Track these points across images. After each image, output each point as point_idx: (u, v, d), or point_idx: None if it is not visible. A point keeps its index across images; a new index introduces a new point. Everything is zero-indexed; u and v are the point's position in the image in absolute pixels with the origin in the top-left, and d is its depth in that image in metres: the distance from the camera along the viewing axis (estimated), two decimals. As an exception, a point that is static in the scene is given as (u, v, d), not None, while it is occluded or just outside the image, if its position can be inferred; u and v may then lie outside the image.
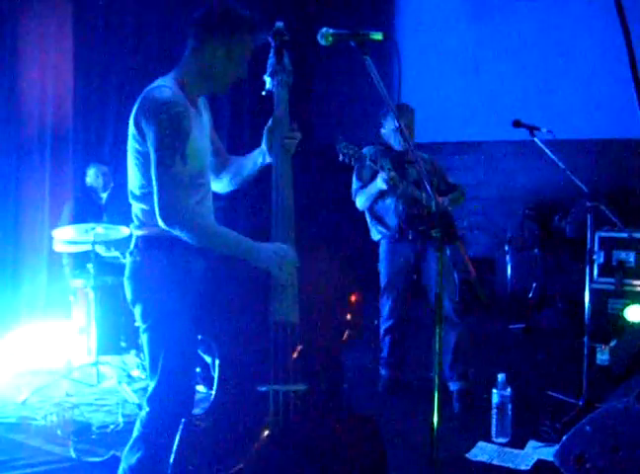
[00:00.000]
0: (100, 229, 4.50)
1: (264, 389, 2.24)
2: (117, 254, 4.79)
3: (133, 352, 4.62)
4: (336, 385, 2.38)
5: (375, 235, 4.40)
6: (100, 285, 4.52)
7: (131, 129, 2.32)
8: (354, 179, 4.35)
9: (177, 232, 2.23)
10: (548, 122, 4.09)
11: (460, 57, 7.20)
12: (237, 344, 2.30)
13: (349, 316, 2.40)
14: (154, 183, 2.24)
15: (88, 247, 4.56)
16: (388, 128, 4.28)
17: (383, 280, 4.38)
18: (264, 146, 2.50)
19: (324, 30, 2.18)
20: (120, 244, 4.80)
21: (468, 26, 7.21)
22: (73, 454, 3.39)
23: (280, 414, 2.23)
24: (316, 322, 2.34)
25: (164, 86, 2.30)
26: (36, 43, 5.36)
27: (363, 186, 4.27)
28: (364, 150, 4.15)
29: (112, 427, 3.75)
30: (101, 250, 4.74)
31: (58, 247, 4.90)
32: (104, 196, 5.27)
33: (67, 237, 4.63)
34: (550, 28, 6.77)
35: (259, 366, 2.25)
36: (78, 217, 4.94)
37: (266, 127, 2.49)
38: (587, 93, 6.56)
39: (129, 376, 4.54)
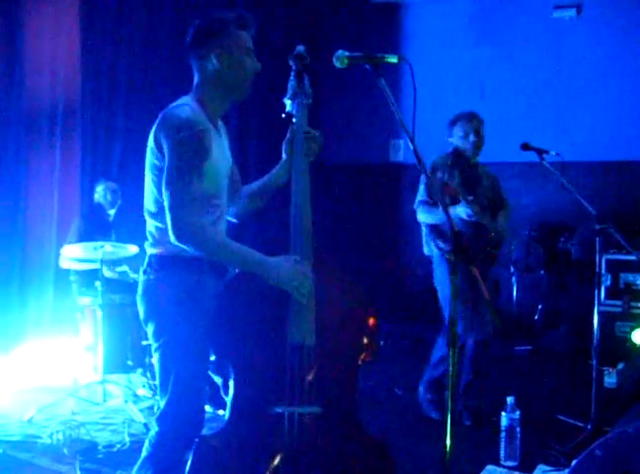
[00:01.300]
0: (108, 247, 4.51)
1: (279, 410, 2.22)
2: (124, 269, 4.79)
3: (140, 370, 4.60)
4: (350, 408, 2.36)
5: (432, 250, 4.23)
6: (107, 303, 4.51)
7: (150, 145, 2.34)
8: (422, 190, 4.16)
9: (190, 249, 2.24)
10: (555, 145, 4.12)
11: (467, 80, 7.24)
12: (252, 365, 2.29)
13: (365, 339, 2.39)
14: (167, 199, 2.24)
15: (95, 266, 4.57)
16: (457, 136, 4.19)
17: (446, 300, 4.09)
18: (284, 156, 2.56)
19: (339, 52, 2.21)
20: (128, 262, 4.81)
21: (474, 49, 7.25)
22: (80, 474, 3.37)
23: (294, 436, 2.22)
24: (332, 343, 2.33)
25: (185, 104, 2.33)
26: (44, 53, 5.41)
27: (433, 202, 4.08)
28: (436, 159, 4.11)
29: (118, 446, 3.74)
30: (106, 272, 4.73)
31: (65, 264, 4.91)
32: (112, 212, 5.29)
33: (76, 255, 4.64)
34: (557, 51, 6.82)
35: (274, 388, 2.24)
36: (86, 235, 4.95)
37: (285, 140, 2.54)
38: (594, 115, 6.59)
39: (136, 395, 4.53)
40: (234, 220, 2.69)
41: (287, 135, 2.54)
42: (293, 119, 2.51)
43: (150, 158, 2.35)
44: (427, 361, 4.27)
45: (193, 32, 2.41)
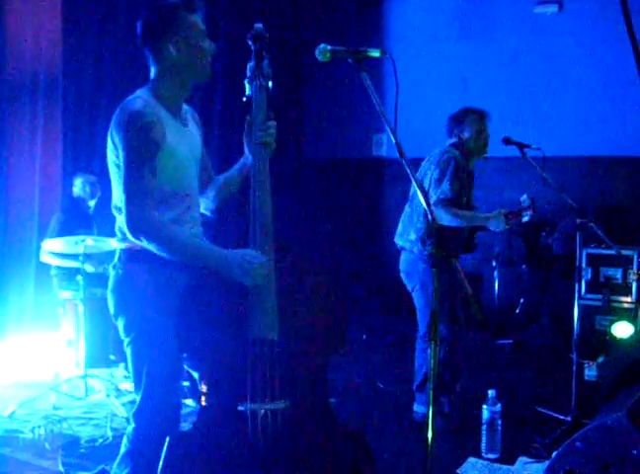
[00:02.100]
0: (90, 241, 4.48)
1: (242, 408, 2.18)
2: (104, 267, 4.78)
3: (122, 365, 4.58)
4: (320, 400, 2.31)
5: (425, 250, 3.92)
6: (89, 297, 4.48)
7: (108, 142, 2.33)
8: (447, 183, 3.86)
9: (144, 244, 2.22)
10: (537, 140, 4.13)
11: (449, 74, 7.26)
12: (217, 362, 2.24)
13: (332, 329, 2.34)
14: (121, 195, 2.23)
15: (77, 264, 4.56)
16: (468, 132, 4.05)
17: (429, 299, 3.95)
18: (246, 150, 2.50)
19: (322, 46, 2.20)
20: (109, 257, 4.79)
21: (457, 43, 7.27)
22: (62, 468, 3.36)
23: (265, 432, 2.17)
24: (298, 336, 2.27)
25: (137, 97, 2.31)
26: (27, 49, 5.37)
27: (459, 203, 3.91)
28: (457, 158, 3.95)
29: (100, 440, 3.73)
30: (89, 268, 4.71)
31: (45, 258, 4.87)
32: (91, 204, 5.24)
33: (57, 249, 4.61)
34: (539, 45, 6.84)
35: (239, 384, 2.19)
36: (67, 229, 4.91)
37: (244, 133, 2.47)
38: (576, 110, 6.63)
39: (118, 389, 4.51)
40: (208, 214, 2.66)
41: (245, 123, 2.44)
42: (252, 104, 2.40)
43: (109, 155, 2.34)
44: (410, 358, 4.26)
45: (142, 25, 2.37)
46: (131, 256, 2.36)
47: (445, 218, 3.79)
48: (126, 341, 2.40)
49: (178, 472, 2.19)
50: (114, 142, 2.28)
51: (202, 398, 2.28)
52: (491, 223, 3.87)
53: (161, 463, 2.18)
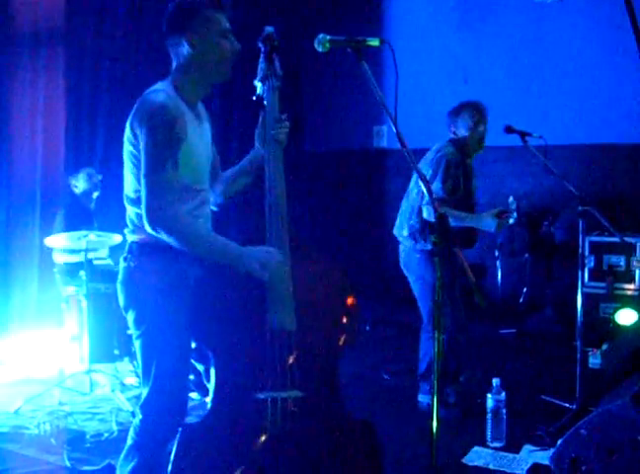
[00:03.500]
0: (92, 236, 4.48)
1: (261, 396, 2.22)
2: (109, 261, 4.79)
3: (127, 359, 4.60)
4: (333, 391, 2.36)
5: (425, 246, 3.99)
6: (92, 292, 4.49)
7: (127, 132, 2.31)
8: (438, 183, 3.87)
9: (162, 236, 2.22)
10: (539, 128, 4.11)
11: (450, 64, 7.24)
12: (233, 351, 2.28)
13: (345, 320, 2.39)
14: (143, 187, 2.23)
15: (80, 258, 4.55)
16: (464, 126, 4.01)
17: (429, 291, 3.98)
18: (257, 144, 2.53)
19: (321, 36, 2.20)
20: (113, 251, 4.80)
21: (457, 33, 7.25)
22: (68, 463, 3.37)
23: (277, 420, 2.22)
24: (313, 327, 2.32)
25: (160, 90, 2.31)
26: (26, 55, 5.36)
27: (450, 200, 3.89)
28: (450, 156, 3.91)
29: (106, 435, 3.74)
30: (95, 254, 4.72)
31: (58, 258, 4.88)
32: (94, 196, 5.26)
33: (60, 245, 4.61)
34: (539, 34, 6.82)
35: (256, 374, 2.24)
36: (70, 225, 4.92)
37: (257, 127, 2.51)
38: (577, 98, 6.61)
39: (123, 384, 4.52)
40: (215, 209, 2.67)
41: (259, 120, 2.50)
42: (265, 102, 2.47)
43: (127, 146, 2.33)
44: (414, 349, 4.26)
45: (166, 18, 2.38)
46: (143, 248, 2.36)
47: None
48: (136, 334, 2.39)
49: (192, 463, 2.21)
50: (134, 134, 2.27)
51: (214, 389, 2.29)
52: (483, 224, 3.86)
53: (173, 455, 2.20)
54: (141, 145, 2.24)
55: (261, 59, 2.48)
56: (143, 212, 2.22)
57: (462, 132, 4.03)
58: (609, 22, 6.08)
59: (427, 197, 3.80)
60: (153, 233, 2.23)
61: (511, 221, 3.85)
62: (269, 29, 2.48)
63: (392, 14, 7.71)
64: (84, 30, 5.80)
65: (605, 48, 6.36)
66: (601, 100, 6.47)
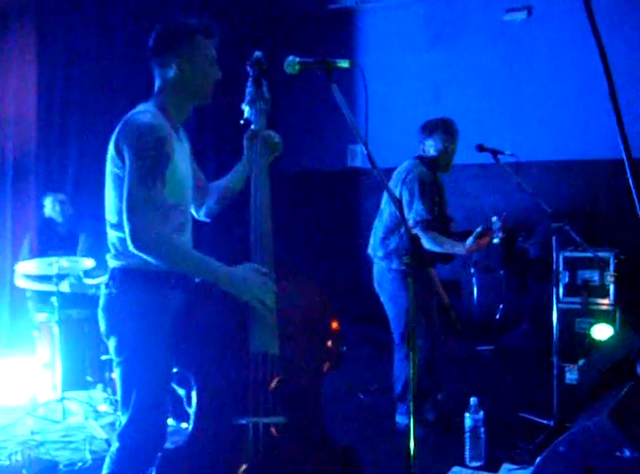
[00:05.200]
0: (64, 262, 4.41)
1: (243, 422, 2.19)
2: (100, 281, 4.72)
3: (100, 386, 4.50)
4: (316, 417, 2.33)
5: (398, 266, 3.97)
6: (64, 319, 4.41)
7: (111, 153, 2.29)
8: (419, 204, 3.85)
9: (146, 256, 2.19)
10: (510, 145, 4.15)
11: (422, 83, 7.30)
12: (215, 376, 2.25)
13: (329, 343, 2.36)
14: (125, 206, 2.19)
15: (52, 287, 4.46)
16: (435, 146, 3.98)
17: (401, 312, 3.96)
18: (244, 158, 2.56)
19: (290, 58, 2.19)
20: (86, 276, 4.73)
21: (429, 52, 7.33)
22: (40, 495, 3.29)
23: (259, 447, 2.18)
24: (296, 351, 2.30)
25: (146, 111, 2.30)
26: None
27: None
28: (422, 175, 3.91)
29: (79, 464, 3.65)
30: (65, 287, 4.64)
31: (20, 282, 4.80)
32: (61, 222, 5.20)
33: (31, 271, 4.54)
34: (510, 52, 6.91)
35: (238, 398, 2.21)
36: (40, 250, 4.86)
37: (245, 136, 2.53)
38: (547, 115, 6.69)
39: (96, 412, 4.43)
40: (207, 220, 2.67)
41: (244, 142, 2.53)
42: (252, 126, 2.51)
43: (110, 167, 2.31)
44: (390, 367, 4.24)
45: (155, 37, 2.38)
46: (126, 275, 2.33)
47: (424, 241, 3.71)
48: (117, 361, 2.36)
49: None
50: (119, 153, 2.25)
51: (194, 413, 2.26)
52: (465, 252, 3.85)
53: None
54: (127, 165, 2.22)
55: (249, 83, 2.52)
56: (127, 232, 2.19)
57: (432, 152, 4.02)
58: (578, 38, 6.16)
59: (411, 220, 3.83)
60: (138, 254, 2.19)
61: (495, 241, 3.85)
62: (257, 53, 2.52)
63: (365, 34, 7.77)
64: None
65: (575, 65, 6.45)
66: (572, 116, 6.56)
